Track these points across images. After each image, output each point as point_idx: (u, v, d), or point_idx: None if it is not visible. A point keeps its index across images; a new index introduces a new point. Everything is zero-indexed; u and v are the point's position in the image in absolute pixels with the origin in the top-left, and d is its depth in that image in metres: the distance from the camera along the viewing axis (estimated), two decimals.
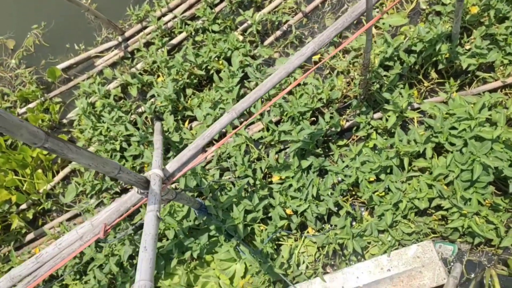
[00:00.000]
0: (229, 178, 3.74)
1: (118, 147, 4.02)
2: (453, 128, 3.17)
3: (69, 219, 4.18)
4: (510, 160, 2.97)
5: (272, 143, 3.72)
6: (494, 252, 3.31)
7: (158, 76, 4.39)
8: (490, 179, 3.00)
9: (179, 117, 4.08)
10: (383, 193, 3.35)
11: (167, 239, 3.60)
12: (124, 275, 3.55)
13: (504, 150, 2.99)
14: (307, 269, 3.48)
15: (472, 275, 3.35)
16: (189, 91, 4.12)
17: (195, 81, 4.15)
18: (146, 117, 4.24)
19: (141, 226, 3.87)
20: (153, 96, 4.28)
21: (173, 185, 3.87)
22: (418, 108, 3.51)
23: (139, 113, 4.31)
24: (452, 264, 3.34)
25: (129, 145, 4.04)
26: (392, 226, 3.29)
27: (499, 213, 3.13)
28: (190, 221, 3.52)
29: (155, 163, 2.70)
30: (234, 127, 3.83)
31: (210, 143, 3.95)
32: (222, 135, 4.01)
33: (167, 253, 3.58)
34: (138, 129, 4.04)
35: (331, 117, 3.57)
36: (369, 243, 3.39)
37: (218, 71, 4.13)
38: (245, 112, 3.71)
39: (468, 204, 3.06)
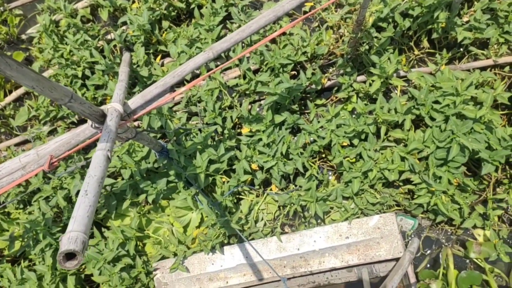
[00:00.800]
0: (197, 123, 3.51)
1: (80, 74, 3.68)
2: (437, 102, 3.03)
3: (18, 144, 3.87)
4: (488, 143, 2.88)
5: (247, 92, 3.48)
6: (454, 232, 3.30)
7: (134, 1, 3.99)
8: (464, 160, 2.91)
9: (151, 51, 3.75)
10: (354, 160, 3.22)
11: (123, 179, 3.38)
12: (72, 211, 3.33)
13: (484, 132, 2.89)
14: (264, 227, 3.38)
15: (428, 252, 3.35)
16: (165, 24, 3.77)
17: (173, 13, 3.79)
18: (115, 46, 3.87)
19: None
20: (125, 23, 3.89)
21: (135, 123, 3.61)
22: (404, 77, 3.34)
23: (107, 40, 3.93)
24: (410, 238, 3.31)
25: (93, 73, 3.70)
26: (358, 194, 3.19)
27: (466, 194, 3.08)
28: (149, 163, 3.30)
29: (116, 96, 2.42)
30: (209, 70, 3.55)
31: (181, 84, 3.67)
32: (195, 76, 3.73)
33: (120, 193, 3.38)
34: (104, 57, 3.69)
35: (313, 73, 3.35)
36: (331, 208, 3.30)
37: (200, 6, 3.78)
38: (222, 55, 3.44)
39: (438, 182, 2.98)
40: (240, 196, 3.46)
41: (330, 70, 3.51)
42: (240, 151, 3.28)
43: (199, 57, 2.35)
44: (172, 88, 2.45)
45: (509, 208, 3.21)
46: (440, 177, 2.97)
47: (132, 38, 3.71)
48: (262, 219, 3.41)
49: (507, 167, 3.17)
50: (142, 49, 3.59)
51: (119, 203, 3.42)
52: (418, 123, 3.28)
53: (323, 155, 3.39)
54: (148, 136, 2.77)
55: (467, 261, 3.25)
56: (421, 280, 2.96)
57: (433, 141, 2.94)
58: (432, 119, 3.03)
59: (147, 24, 3.54)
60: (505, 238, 3.15)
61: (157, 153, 3.20)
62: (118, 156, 3.26)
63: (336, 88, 3.43)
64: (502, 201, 3.05)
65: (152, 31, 3.68)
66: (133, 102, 2.37)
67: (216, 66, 3.46)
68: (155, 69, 3.59)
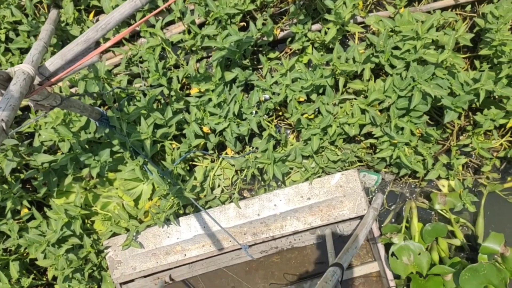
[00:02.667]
0: (140, 86, 3.18)
1: (3, 37, 3.23)
2: (397, 48, 2.81)
3: None
4: (451, 89, 2.71)
5: (194, 48, 3.16)
6: (418, 184, 3.19)
7: None
8: (426, 108, 2.74)
9: (82, 7, 3.32)
10: (312, 116, 3.01)
11: (62, 153, 3.05)
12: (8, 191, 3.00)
13: (446, 77, 2.71)
14: (222, 194, 3.16)
15: (393, 206, 3.24)
16: None
17: None
18: (41, 2, 3.40)
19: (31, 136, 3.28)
20: None
21: (72, 90, 3.23)
22: (362, 23, 3.08)
23: None
24: (374, 194, 3.19)
25: (18, 35, 3.26)
26: (318, 152, 3.00)
27: (429, 145, 2.94)
28: (89, 133, 2.97)
29: (29, 57, 2.06)
30: (150, 26, 3.17)
31: (120, 43, 3.29)
32: (136, 33, 3.35)
33: (60, 169, 3.06)
34: (27, 16, 3.24)
35: (263, 24, 3.05)
36: (291, 169, 3.10)
37: None
38: (165, 9, 3.07)
39: (400, 133, 2.81)
40: (194, 163, 3.21)
41: (283, 19, 3.21)
42: (189, 113, 3.00)
43: (125, 6, 2.01)
44: (98, 44, 2.11)
45: (474, 155, 3.11)
46: (402, 128, 2.80)
47: None
48: (219, 185, 3.19)
49: (470, 113, 3.04)
50: (71, 4, 3.16)
51: (60, 180, 3.12)
52: (378, 72, 3.07)
53: (280, 113, 3.16)
54: (80, 103, 2.44)
55: (432, 213, 3.17)
56: (384, 234, 2.85)
57: (394, 90, 2.74)
58: (392, 66, 2.82)
59: None
60: (470, 187, 3.06)
61: (96, 121, 2.87)
62: (53, 127, 2.91)
63: (290, 39, 3.16)
64: (466, 146, 2.93)
65: None
66: (52, 63, 2.03)
67: (157, 20, 3.10)
68: (88, 27, 3.19)
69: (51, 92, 2.11)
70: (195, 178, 3.11)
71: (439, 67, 2.71)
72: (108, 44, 1.90)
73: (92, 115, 2.71)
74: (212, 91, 2.94)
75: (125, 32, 1.94)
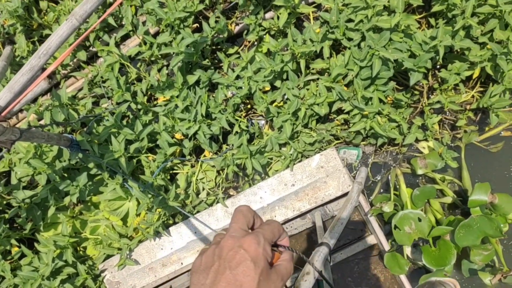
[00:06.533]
0: (107, 105, 3.16)
1: None
2: (350, 20, 2.80)
3: None
4: (410, 51, 2.70)
5: (153, 59, 3.15)
6: (399, 151, 3.18)
7: None
8: (390, 74, 2.73)
9: (35, 38, 3.30)
10: (282, 103, 3.00)
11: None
12: None
13: (403, 40, 2.70)
14: (208, 196, 3.15)
15: (378, 177, 3.23)
16: (43, 4, 3.31)
17: None
18: None
19: None
20: None
21: (41, 122, 3.22)
22: (314, 3, 3.08)
23: None
24: (357, 169, 3.18)
25: None
26: (293, 137, 3.00)
27: (401, 110, 2.93)
28: (64, 161, 2.96)
29: None
30: (105, 44, 3.16)
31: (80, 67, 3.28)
32: (94, 54, 3.34)
33: (42, 202, 3.04)
34: None
35: (216, 21, 3.04)
36: (271, 159, 3.09)
37: None
38: (114, 23, 3.08)
39: (369, 103, 2.81)
40: (175, 171, 3.20)
41: (236, 13, 3.20)
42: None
43: (62, 28, 2.00)
44: (43, 70, 2.10)
45: (447, 112, 3.11)
46: (370, 98, 2.79)
47: (10, 28, 3.25)
48: (203, 189, 3.18)
49: (436, 72, 3.03)
50: (22, 37, 3.14)
51: (45, 213, 3.10)
52: (337, 47, 3.07)
53: (249, 106, 3.15)
54: (42, 133, 2.43)
55: (419, 176, 3.16)
56: (374, 205, 2.85)
57: (355, 62, 2.74)
58: (349, 39, 2.81)
59: (19, 9, 3.08)
60: (449, 143, 3.05)
61: (67, 148, 2.85)
62: (26, 162, 2.90)
63: (246, 32, 3.14)
64: (438, 103, 2.92)
65: (30, 16, 3.23)
66: (1, 98, 2.02)
67: (110, 37, 3.08)
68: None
69: (7, 127, 2.10)
70: (178, 186, 3.11)
71: (395, 32, 2.71)
72: (51, 67, 1.89)
73: (60, 143, 2.69)
74: (177, 96, 2.93)
75: (66, 53, 1.94)
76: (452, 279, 2.48)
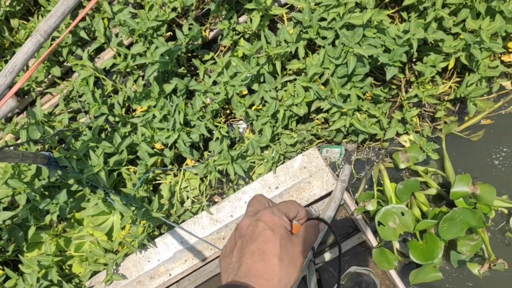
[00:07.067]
0: (85, 120, 3.12)
1: None
2: (323, 19, 2.80)
3: None
4: (384, 46, 2.71)
5: (129, 70, 3.11)
6: (381, 147, 3.18)
7: None
8: (366, 70, 2.73)
9: (8, 57, 3.26)
10: (260, 106, 2.98)
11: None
12: None
13: (377, 35, 2.70)
14: (193, 205, 3.12)
15: (363, 174, 3.23)
16: (14, 22, 3.27)
17: (18, 7, 3.28)
18: None
19: None
20: None
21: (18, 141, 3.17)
22: (286, 4, 3.07)
23: None
24: (341, 167, 3.17)
25: None
26: (274, 140, 2.98)
27: (380, 105, 2.93)
28: (43, 179, 2.91)
29: None
30: (79, 58, 3.12)
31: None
32: (69, 68, 3.30)
33: (23, 222, 2.98)
34: None
35: (189, 28, 3.02)
36: (253, 163, 3.07)
37: None
38: (85, 36, 3.04)
39: (348, 101, 2.80)
40: (158, 182, 3.16)
41: (209, 19, 3.18)
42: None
43: (27, 45, 1.97)
44: (10, 88, 2.05)
45: (426, 104, 3.11)
46: (348, 96, 2.79)
47: None
48: (188, 197, 3.15)
49: (412, 65, 3.04)
50: None
51: (26, 233, 3.04)
52: (313, 47, 3.06)
53: (228, 111, 3.13)
54: (16, 152, 2.38)
55: (403, 171, 3.16)
56: (358, 204, 2.83)
57: (330, 60, 2.73)
58: (323, 38, 2.81)
59: None
60: (430, 135, 3.06)
61: (45, 166, 2.80)
62: (4, 183, 2.84)
63: (220, 37, 3.13)
64: (415, 97, 2.92)
65: (1, 35, 3.18)
66: None
67: (83, 51, 3.05)
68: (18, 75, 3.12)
69: None
70: (162, 196, 3.07)
71: (367, 28, 2.71)
72: (18, 85, 1.86)
73: (37, 161, 2.65)
74: (154, 106, 2.90)
75: (33, 68, 1.90)
76: (368, 268, 2.59)
